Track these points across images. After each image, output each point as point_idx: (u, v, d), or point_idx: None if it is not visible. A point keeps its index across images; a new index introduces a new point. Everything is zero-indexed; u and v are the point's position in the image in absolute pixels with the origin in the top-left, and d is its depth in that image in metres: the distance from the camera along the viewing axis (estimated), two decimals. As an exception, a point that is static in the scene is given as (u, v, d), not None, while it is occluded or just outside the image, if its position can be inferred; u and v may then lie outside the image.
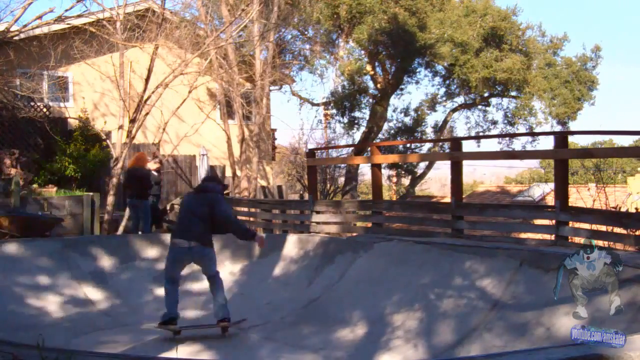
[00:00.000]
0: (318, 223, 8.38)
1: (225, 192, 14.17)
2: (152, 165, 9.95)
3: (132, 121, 10.27)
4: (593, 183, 11.46)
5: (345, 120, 18.74)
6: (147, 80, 10.26)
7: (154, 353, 4.21)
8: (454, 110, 21.26)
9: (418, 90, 48.93)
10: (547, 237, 6.04)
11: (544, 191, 20.84)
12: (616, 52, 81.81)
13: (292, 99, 21.30)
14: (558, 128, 19.53)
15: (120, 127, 10.77)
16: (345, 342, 4.68)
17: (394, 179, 24.98)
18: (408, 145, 18.74)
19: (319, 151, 12.96)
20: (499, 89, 18.88)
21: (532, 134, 21.53)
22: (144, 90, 10.24)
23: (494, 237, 7.25)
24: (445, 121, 21.56)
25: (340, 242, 6.57)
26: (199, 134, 13.79)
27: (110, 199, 10.04)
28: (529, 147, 19.01)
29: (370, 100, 19.17)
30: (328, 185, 20.42)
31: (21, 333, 4.32)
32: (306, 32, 18.26)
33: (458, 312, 4.42)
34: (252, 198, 13.40)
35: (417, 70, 18.71)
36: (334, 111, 19.18)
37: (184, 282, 6.47)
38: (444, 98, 20.64)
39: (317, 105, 20.89)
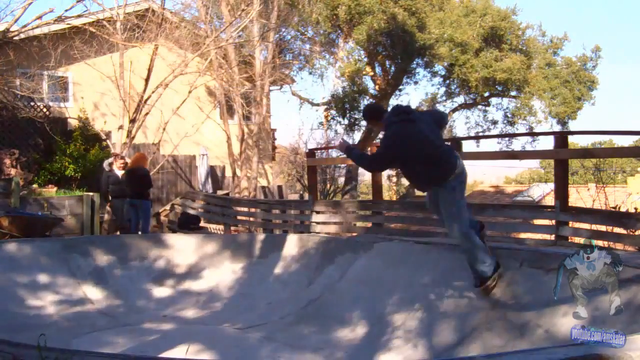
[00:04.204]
0: (318, 223, 8.38)
1: (225, 192, 14.22)
2: (117, 165, 9.26)
3: (132, 121, 10.27)
4: (593, 183, 11.47)
5: (346, 121, 18.76)
6: (147, 80, 10.26)
7: (154, 353, 4.20)
8: (454, 110, 21.27)
9: (417, 90, 49.08)
10: (547, 237, 6.04)
11: (544, 191, 20.85)
12: (616, 52, 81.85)
13: (292, 99, 21.38)
14: (558, 128, 19.56)
15: (120, 127, 10.77)
16: (345, 342, 4.68)
17: (394, 179, 24.99)
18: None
19: (319, 151, 12.96)
20: (498, 88, 18.88)
21: (532, 134, 21.53)
22: (144, 90, 10.24)
23: (494, 237, 7.23)
24: (445, 121, 21.57)
25: (340, 242, 6.56)
26: (199, 134, 13.80)
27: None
28: (528, 147, 19.04)
29: (371, 100, 19.16)
30: (328, 185, 20.45)
31: (21, 333, 4.32)
32: (306, 32, 18.27)
33: (458, 312, 4.42)
34: (252, 198, 13.41)
35: (417, 71, 18.74)
36: (334, 112, 19.22)
37: (183, 282, 6.48)
38: (444, 98, 20.66)
39: (317, 105, 20.90)
